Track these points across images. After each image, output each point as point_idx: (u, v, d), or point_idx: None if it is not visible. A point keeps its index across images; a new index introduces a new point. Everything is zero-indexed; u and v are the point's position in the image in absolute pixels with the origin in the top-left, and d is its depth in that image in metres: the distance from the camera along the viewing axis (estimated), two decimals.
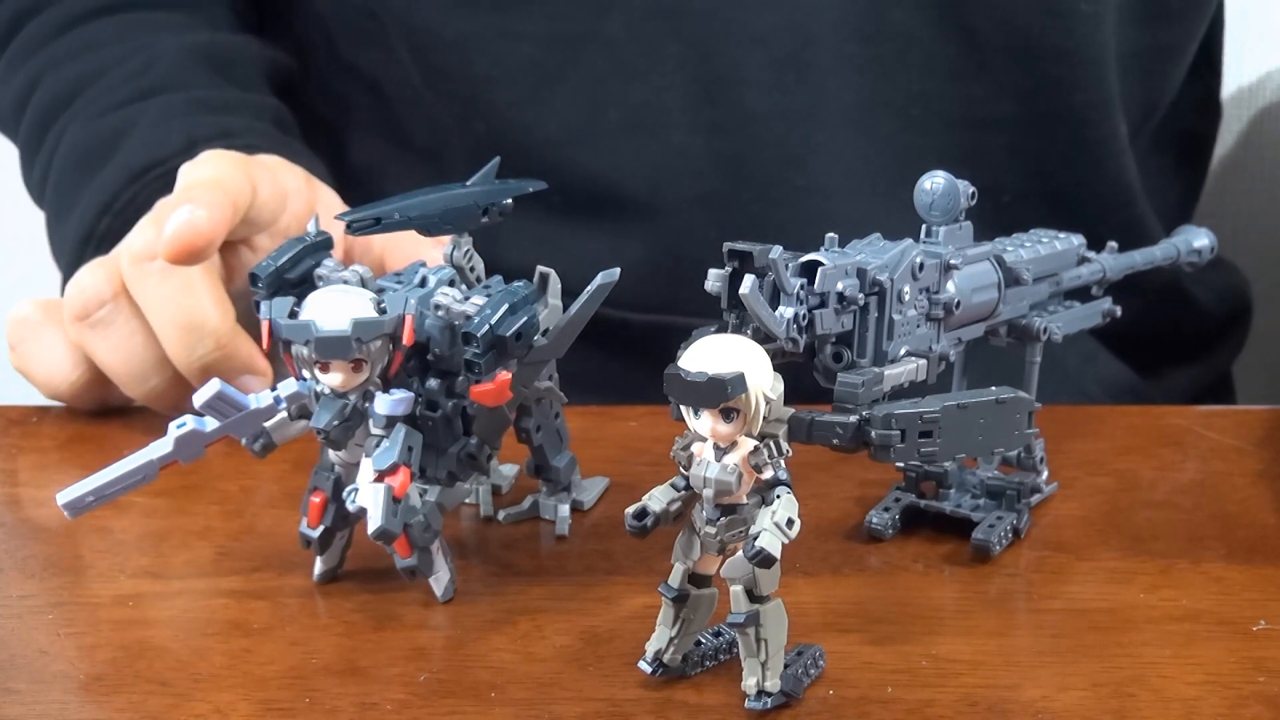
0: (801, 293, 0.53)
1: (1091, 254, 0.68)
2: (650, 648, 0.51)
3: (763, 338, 0.51)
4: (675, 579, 0.51)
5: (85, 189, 0.81)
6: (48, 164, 0.86)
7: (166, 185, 0.74)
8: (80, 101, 0.85)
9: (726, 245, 0.53)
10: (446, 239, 0.61)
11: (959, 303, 0.58)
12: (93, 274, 0.73)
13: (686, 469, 0.49)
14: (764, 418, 0.48)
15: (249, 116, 0.84)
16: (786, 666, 0.50)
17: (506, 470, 0.69)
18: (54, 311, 0.76)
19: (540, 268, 0.62)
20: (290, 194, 0.75)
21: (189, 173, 0.73)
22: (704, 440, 0.49)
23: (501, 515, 0.65)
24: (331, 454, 0.57)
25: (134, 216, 0.75)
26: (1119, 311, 0.68)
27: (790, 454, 0.49)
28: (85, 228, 0.81)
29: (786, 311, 0.52)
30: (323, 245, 0.58)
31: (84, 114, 0.85)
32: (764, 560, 0.47)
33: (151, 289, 0.71)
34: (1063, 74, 0.86)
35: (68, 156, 0.84)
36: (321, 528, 0.58)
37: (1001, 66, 0.86)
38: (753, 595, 0.49)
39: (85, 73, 0.87)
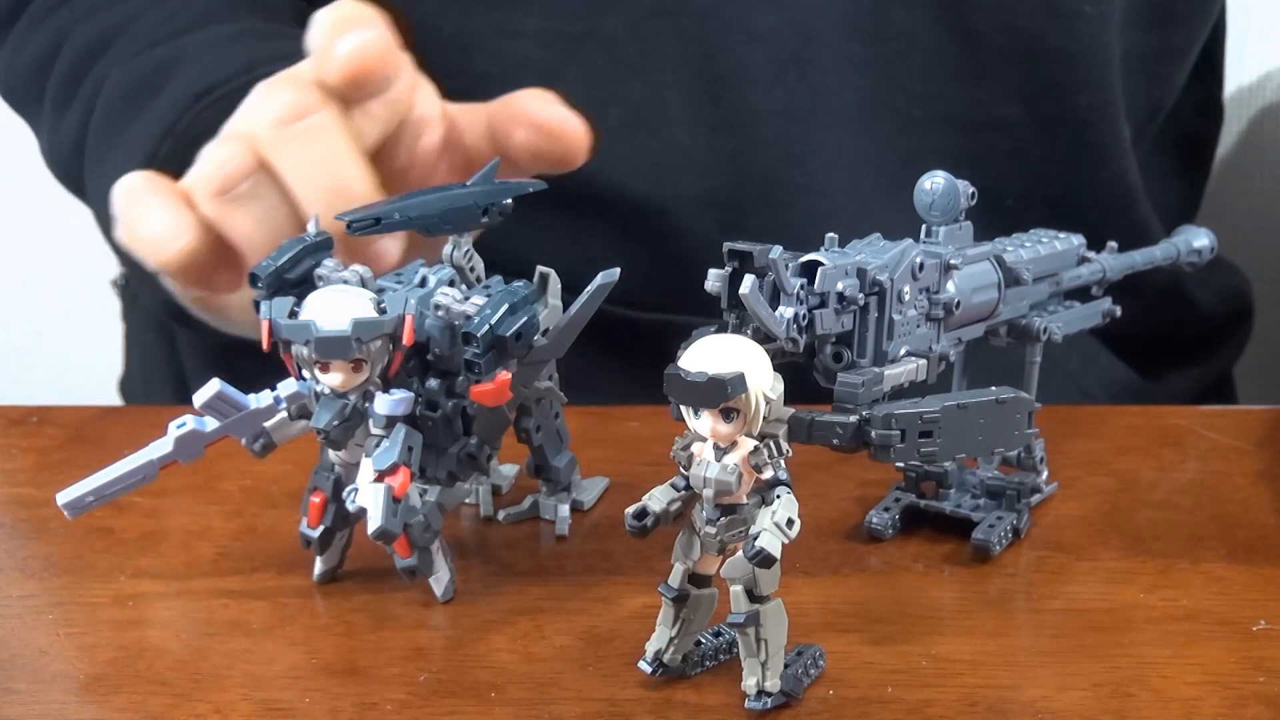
0: (801, 293, 0.53)
1: (1091, 254, 0.68)
2: (650, 648, 0.51)
3: (763, 338, 0.51)
4: (675, 579, 0.51)
5: (138, 120, 0.78)
6: (86, 109, 0.83)
7: (229, 107, 0.71)
8: (121, 42, 0.83)
9: (726, 245, 0.53)
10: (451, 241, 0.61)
11: (959, 303, 0.58)
12: (228, 148, 0.69)
13: (686, 469, 0.49)
14: (764, 418, 0.48)
15: (301, 44, 0.83)
16: (786, 666, 0.50)
17: (506, 470, 0.69)
18: (164, 182, 0.73)
19: (540, 268, 0.62)
20: (405, 59, 0.72)
21: (331, 9, 0.69)
22: (704, 440, 0.49)
23: (501, 515, 0.65)
24: (331, 454, 0.57)
25: (195, 141, 0.72)
26: (1119, 311, 0.68)
27: (790, 454, 0.49)
28: (145, 152, 0.77)
29: (786, 311, 0.52)
30: (323, 245, 0.58)
31: (126, 52, 0.82)
32: (764, 560, 0.47)
33: (294, 153, 0.67)
34: (1066, 76, 0.86)
35: (113, 94, 0.82)
36: (321, 528, 0.58)
37: (1004, 68, 0.86)
38: (753, 595, 0.49)
39: (120, 19, 0.85)
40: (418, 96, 0.74)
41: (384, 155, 0.70)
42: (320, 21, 0.69)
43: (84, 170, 0.85)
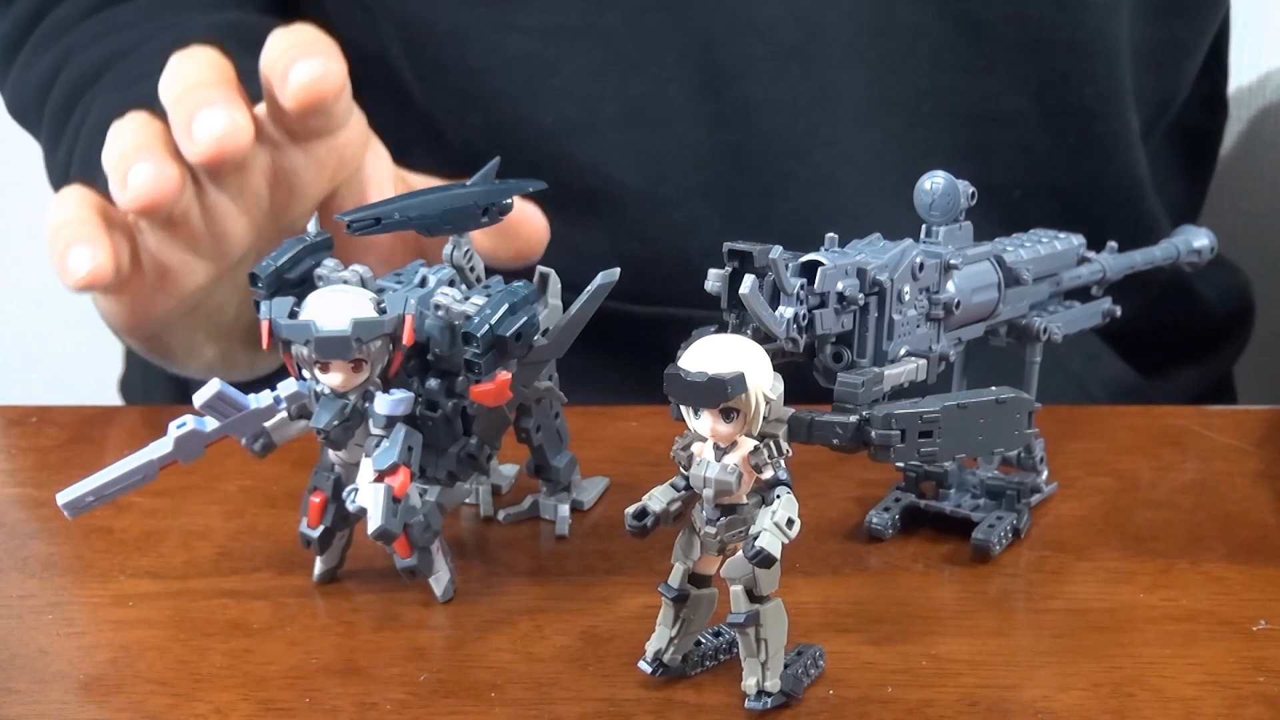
0: (801, 293, 0.53)
1: (1091, 254, 0.68)
2: (650, 648, 0.51)
3: (763, 338, 0.51)
4: (675, 579, 0.51)
5: None
6: (74, 138, 0.84)
7: None
8: (108, 76, 0.84)
9: (726, 245, 0.53)
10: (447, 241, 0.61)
11: (959, 303, 0.58)
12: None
13: (686, 469, 0.49)
14: (764, 418, 0.48)
15: None
16: (786, 666, 0.50)
17: (506, 470, 0.69)
18: (91, 199, 0.72)
19: (540, 267, 0.62)
20: (356, 112, 0.72)
21: (287, 33, 0.68)
22: (704, 440, 0.49)
23: (501, 515, 0.65)
24: (331, 454, 0.57)
25: None
26: (1119, 311, 0.68)
27: (790, 454, 0.49)
28: None
29: (786, 311, 0.52)
30: (323, 245, 0.58)
31: (112, 86, 0.82)
32: (764, 560, 0.47)
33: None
34: (1074, 67, 0.86)
35: (95, 125, 0.82)
36: (321, 528, 0.58)
37: (1012, 60, 0.86)
38: (753, 595, 0.49)
39: (113, 51, 0.85)
40: (369, 156, 0.74)
41: (330, 214, 0.69)
42: (276, 43, 0.68)
43: None
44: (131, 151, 0.67)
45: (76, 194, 0.70)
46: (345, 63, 0.67)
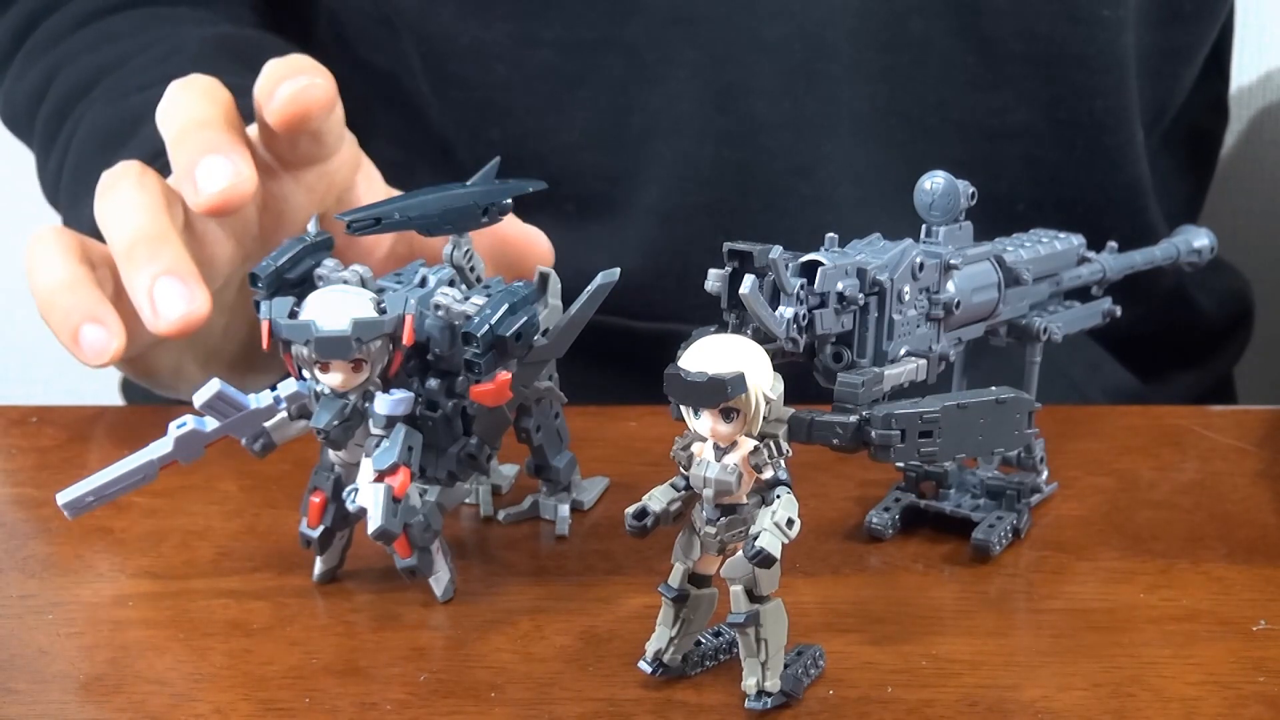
0: (801, 293, 0.53)
1: (1091, 254, 0.68)
2: (650, 648, 0.51)
3: (763, 338, 0.51)
4: (675, 579, 0.51)
5: (105, 169, 0.80)
6: (65, 149, 0.84)
7: None
8: (101, 88, 0.83)
9: (726, 245, 0.53)
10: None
11: (959, 303, 0.58)
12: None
13: (686, 469, 0.49)
14: (764, 418, 0.48)
15: None
16: (786, 666, 0.50)
17: (506, 470, 0.69)
18: (68, 236, 0.72)
19: (540, 267, 0.62)
20: (348, 137, 0.72)
21: (281, 61, 0.68)
22: (704, 440, 0.49)
23: (501, 515, 0.65)
24: (331, 454, 0.58)
25: None
26: (1119, 311, 0.68)
27: (790, 454, 0.49)
28: None
29: (786, 311, 0.52)
30: (323, 245, 0.58)
31: (104, 98, 0.82)
32: (764, 560, 0.47)
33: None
34: (1084, 81, 0.86)
35: (87, 138, 0.82)
36: (321, 528, 0.58)
37: (1021, 75, 0.85)
38: (753, 595, 0.49)
39: (106, 62, 0.85)
40: (359, 177, 0.73)
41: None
42: (269, 70, 0.68)
43: (63, 211, 0.85)
44: (143, 244, 0.65)
45: (57, 245, 0.69)
46: (334, 85, 0.67)
